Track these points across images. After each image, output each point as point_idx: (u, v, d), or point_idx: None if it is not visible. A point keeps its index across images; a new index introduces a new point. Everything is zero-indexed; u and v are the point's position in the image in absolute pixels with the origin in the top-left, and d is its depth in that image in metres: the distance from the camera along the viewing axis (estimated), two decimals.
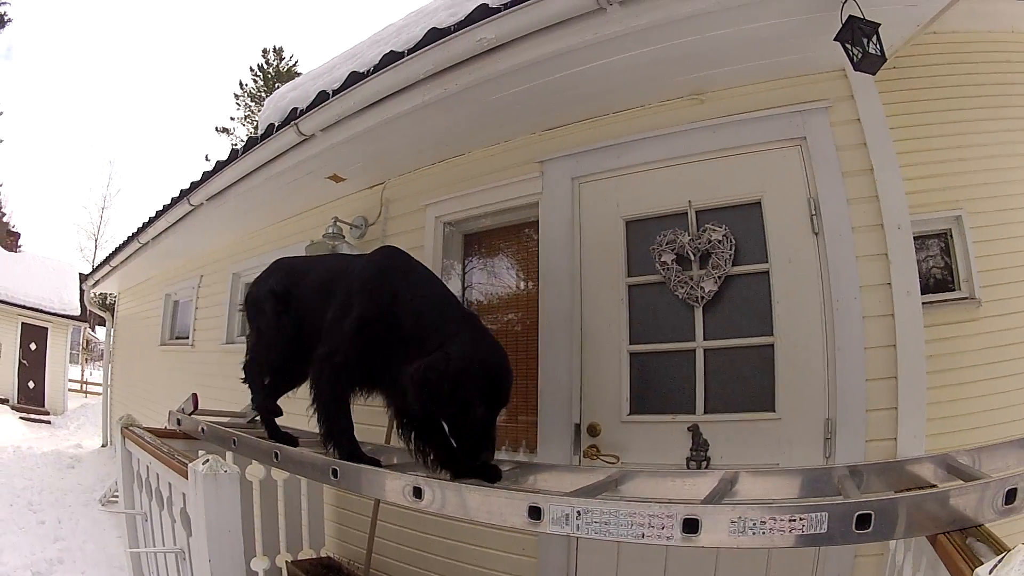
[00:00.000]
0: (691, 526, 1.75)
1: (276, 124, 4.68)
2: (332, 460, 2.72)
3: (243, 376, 3.49)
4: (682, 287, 3.62)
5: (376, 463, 2.59)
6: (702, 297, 3.58)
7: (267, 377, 3.42)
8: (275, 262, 3.64)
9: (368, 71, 3.97)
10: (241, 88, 35.49)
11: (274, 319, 3.26)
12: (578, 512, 1.90)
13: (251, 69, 35.63)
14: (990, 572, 1.30)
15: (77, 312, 17.45)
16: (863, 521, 1.62)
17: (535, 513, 1.98)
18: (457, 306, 2.74)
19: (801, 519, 1.66)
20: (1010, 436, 2.27)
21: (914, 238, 4.43)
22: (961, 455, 2.22)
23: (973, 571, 1.37)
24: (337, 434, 2.74)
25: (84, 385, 24.72)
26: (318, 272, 3.24)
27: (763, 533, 1.69)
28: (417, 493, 2.29)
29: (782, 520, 1.68)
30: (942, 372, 4.12)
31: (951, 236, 4.57)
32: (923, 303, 4.27)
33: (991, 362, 4.30)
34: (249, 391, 3.50)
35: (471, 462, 2.42)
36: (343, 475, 2.63)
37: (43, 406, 17.14)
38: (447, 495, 2.23)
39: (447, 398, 2.33)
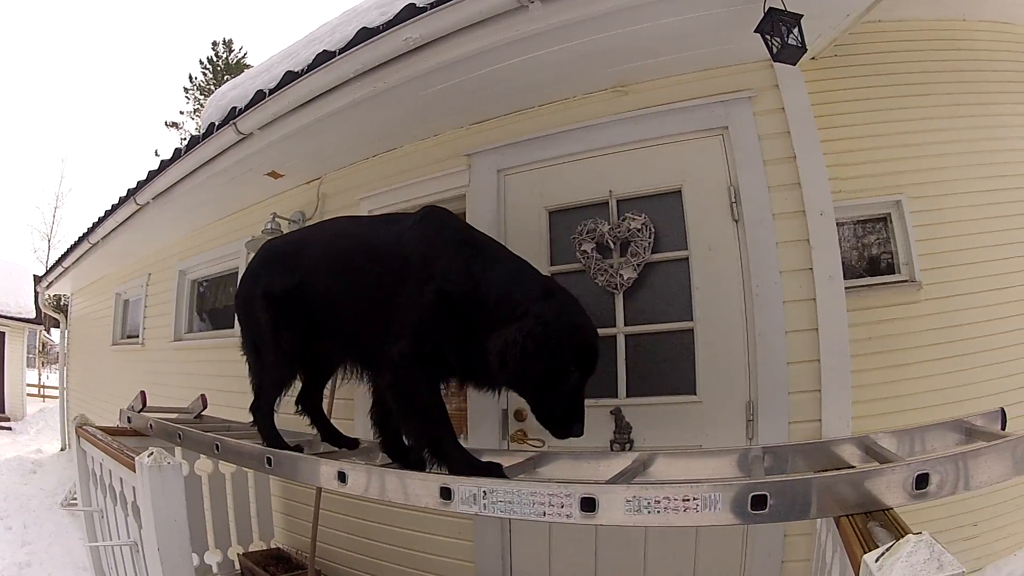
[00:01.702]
0: (588, 505, 1.90)
1: (216, 123, 4.91)
2: (266, 449, 2.92)
3: (252, 419, 3.14)
4: (602, 275, 3.87)
5: (502, 473, 2.38)
6: (621, 284, 3.83)
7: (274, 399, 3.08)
8: (263, 249, 3.26)
9: (302, 70, 4.19)
10: (191, 81, 35.16)
11: (271, 333, 2.94)
12: (484, 492, 2.11)
13: (201, 62, 35.47)
14: (876, 560, 1.35)
15: (33, 315, 17.36)
16: (759, 502, 1.72)
17: (446, 493, 2.19)
18: (534, 271, 2.63)
19: (695, 499, 1.78)
20: (943, 418, 2.39)
21: (855, 223, 4.78)
22: (883, 437, 2.34)
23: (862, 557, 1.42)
24: (443, 445, 2.43)
25: (42, 389, 24.58)
26: (333, 251, 2.89)
27: (658, 512, 1.82)
28: (341, 478, 2.50)
29: (675, 500, 1.79)
30: (882, 354, 4.41)
31: (891, 220, 4.83)
32: (862, 286, 4.60)
33: (932, 344, 4.58)
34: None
35: (563, 434, 2.38)
36: (277, 463, 2.84)
37: (3, 412, 17.11)
38: (367, 479, 2.44)
39: (543, 367, 2.26)
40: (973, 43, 5.22)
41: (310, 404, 3.34)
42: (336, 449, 3.30)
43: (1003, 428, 2.32)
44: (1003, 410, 2.37)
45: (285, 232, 5.12)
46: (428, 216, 2.74)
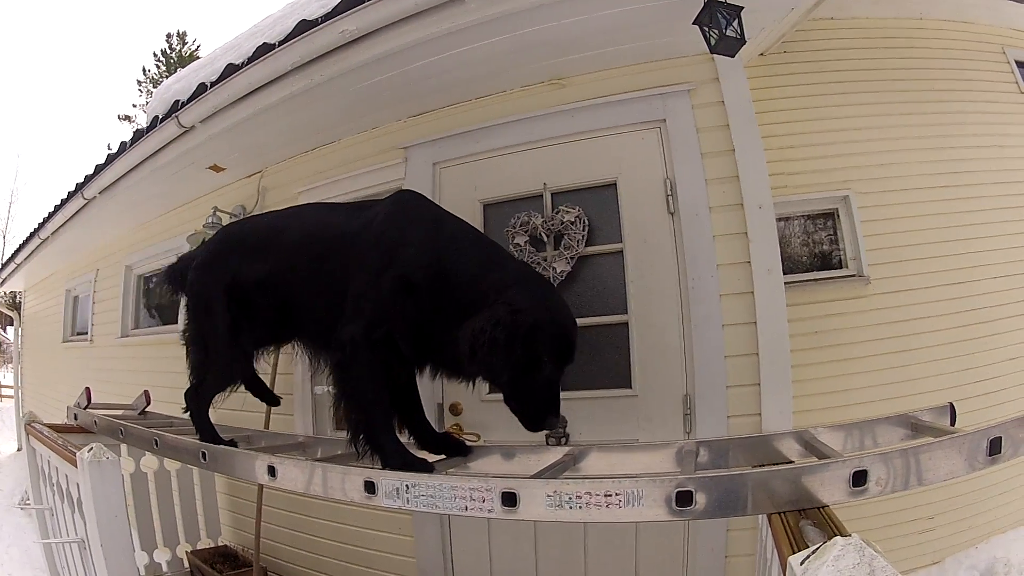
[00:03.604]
0: (509, 499, 1.88)
1: (160, 116, 4.92)
2: (201, 444, 2.91)
3: (185, 406, 3.09)
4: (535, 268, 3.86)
5: (431, 468, 2.32)
6: (554, 278, 3.85)
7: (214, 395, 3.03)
8: (225, 234, 3.12)
9: (242, 63, 4.20)
10: (144, 74, 34.79)
11: (228, 333, 2.84)
12: (407, 486, 2.09)
13: (154, 54, 34.88)
14: (802, 563, 1.32)
15: None
16: (684, 498, 1.69)
17: (370, 487, 2.17)
18: (509, 255, 2.57)
19: (617, 495, 1.75)
20: (890, 413, 2.39)
21: (805, 218, 4.87)
22: (825, 432, 2.34)
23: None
24: (379, 437, 2.38)
25: None
26: (305, 236, 2.75)
27: (580, 507, 1.79)
28: (271, 472, 2.51)
29: (597, 495, 1.77)
30: (829, 348, 4.50)
31: (838, 216, 4.92)
32: (809, 280, 4.68)
33: (880, 338, 4.66)
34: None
35: (536, 427, 2.28)
36: (212, 458, 2.85)
37: None
38: (296, 473, 2.44)
39: (516, 357, 2.16)
40: (930, 41, 5.31)
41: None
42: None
43: (952, 424, 2.32)
44: (952, 405, 2.37)
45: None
46: (399, 200, 2.66)
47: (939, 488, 4.40)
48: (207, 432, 3.01)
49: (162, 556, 4.84)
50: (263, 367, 3.31)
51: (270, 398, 3.49)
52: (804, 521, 1.61)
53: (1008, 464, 1.68)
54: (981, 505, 4.84)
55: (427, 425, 2.83)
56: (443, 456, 2.68)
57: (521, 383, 2.24)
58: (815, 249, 5.00)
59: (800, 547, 1.44)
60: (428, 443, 2.77)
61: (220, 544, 5.29)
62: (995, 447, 1.65)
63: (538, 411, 2.28)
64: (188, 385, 3.10)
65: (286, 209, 3.18)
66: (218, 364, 2.96)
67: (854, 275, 4.85)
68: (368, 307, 2.40)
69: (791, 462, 2.25)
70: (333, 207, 2.93)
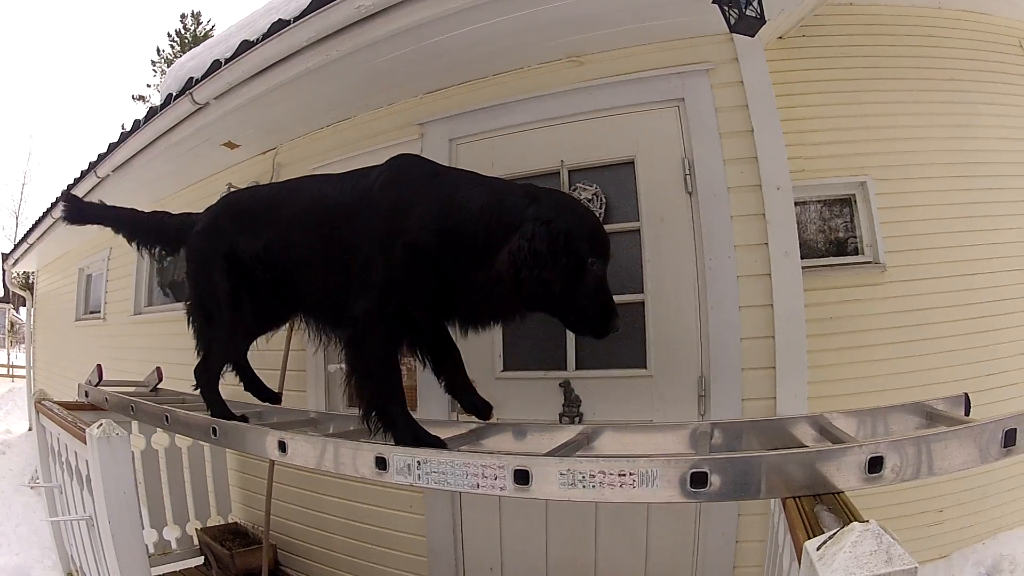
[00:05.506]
0: (522, 477, 1.85)
1: (174, 94, 4.90)
2: (212, 420, 2.90)
3: (195, 383, 3.07)
4: None
5: (443, 445, 2.28)
6: None
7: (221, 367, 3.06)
8: (226, 203, 3.09)
9: (257, 39, 4.17)
10: (159, 55, 35.53)
11: (229, 301, 2.81)
12: (418, 462, 2.07)
13: (169, 35, 35.65)
14: (818, 548, 1.29)
15: (0, 294, 17.18)
16: (699, 479, 1.66)
17: (381, 463, 2.15)
18: (514, 183, 2.52)
19: (631, 474, 1.72)
20: (902, 401, 2.35)
21: (820, 203, 4.82)
22: (839, 417, 2.30)
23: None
24: (391, 412, 2.35)
25: (11, 369, 24.40)
26: (302, 208, 2.70)
27: (593, 487, 1.76)
28: (282, 448, 2.49)
29: (611, 474, 1.73)
30: (843, 335, 4.45)
31: (855, 202, 4.87)
32: (824, 266, 4.63)
33: (895, 326, 4.60)
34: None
35: (605, 331, 2.29)
36: (223, 434, 2.84)
37: None
38: (307, 449, 2.42)
39: (562, 265, 2.14)
40: (947, 31, 5.22)
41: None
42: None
43: (967, 414, 2.27)
44: (967, 395, 2.33)
45: None
46: (396, 164, 2.60)
47: (948, 481, 4.39)
48: (218, 407, 2.99)
49: (171, 533, 4.84)
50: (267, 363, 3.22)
51: (268, 395, 3.44)
52: (819, 506, 1.58)
53: (1019, 459, 1.68)
54: (988, 501, 4.80)
55: (471, 388, 2.80)
56: (457, 433, 2.65)
57: (575, 291, 2.21)
58: (831, 235, 4.95)
59: (815, 532, 1.41)
60: (471, 406, 2.77)
61: (230, 521, 5.28)
62: (1010, 439, 1.62)
63: (603, 314, 2.28)
64: (198, 361, 3.09)
65: (287, 181, 3.17)
66: (220, 332, 2.94)
67: (870, 262, 4.79)
68: (379, 279, 2.36)
69: (805, 446, 2.15)
70: (331, 178, 2.81)
